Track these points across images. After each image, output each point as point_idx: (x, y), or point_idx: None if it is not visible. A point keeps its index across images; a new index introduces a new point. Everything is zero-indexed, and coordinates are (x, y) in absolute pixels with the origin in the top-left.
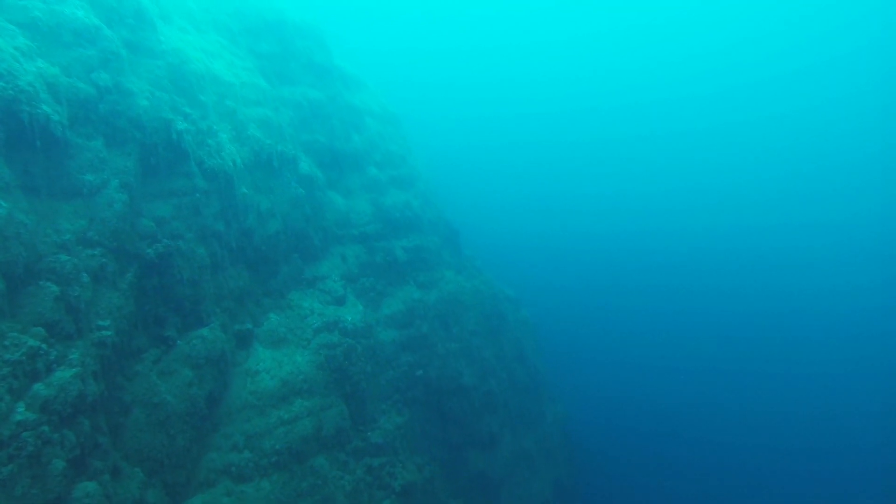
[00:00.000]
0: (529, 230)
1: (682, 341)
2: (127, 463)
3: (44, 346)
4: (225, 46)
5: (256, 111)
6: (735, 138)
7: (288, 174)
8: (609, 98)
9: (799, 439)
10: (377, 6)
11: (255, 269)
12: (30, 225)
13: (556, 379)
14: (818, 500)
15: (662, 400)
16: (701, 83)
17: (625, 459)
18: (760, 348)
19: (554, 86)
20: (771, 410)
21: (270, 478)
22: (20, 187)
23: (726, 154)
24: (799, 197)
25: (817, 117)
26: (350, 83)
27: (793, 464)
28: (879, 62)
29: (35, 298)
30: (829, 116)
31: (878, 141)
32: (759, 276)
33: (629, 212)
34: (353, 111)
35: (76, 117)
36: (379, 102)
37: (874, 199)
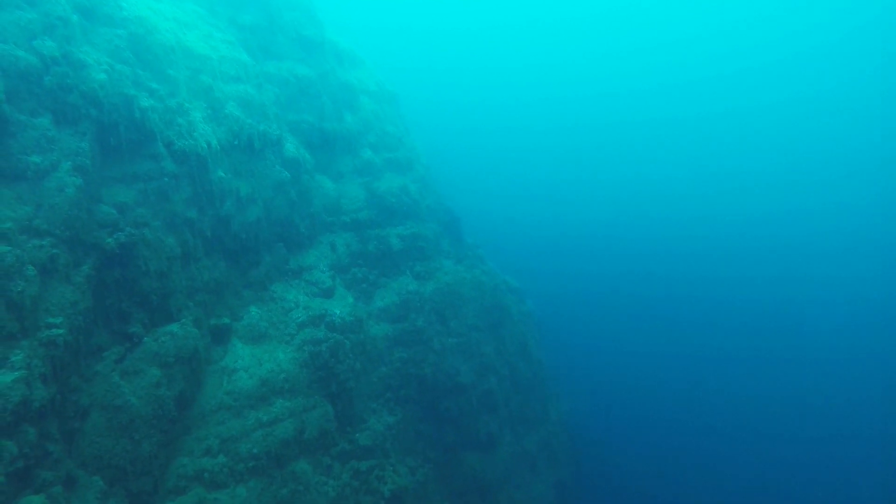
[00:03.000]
0: (536, 217)
1: (700, 331)
2: (84, 471)
3: None
4: (202, 16)
5: (236, 88)
6: (744, 124)
7: (271, 156)
8: (619, 82)
9: (816, 428)
10: None
11: (234, 259)
12: None
13: (562, 374)
14: (826, 487)
15: (674, 392)
16: (708, 67)
17: (634, 456)
18: (778, 338)
19: (563, 69)
20: (791, 402)
21: (247, 484)
22: None
23: (734, 140)
24: (799, 185)
25: (819, 104)
26: (344, 59)
27: (807, 455)
28: (877, 46)
29: None
30: (831, 103)
31: (879, 127)
32: (772, 265)
33: (641, 199)
34: (347, 89)
35: (16, 91)
36: (376, 80)
37: (872, 186)
